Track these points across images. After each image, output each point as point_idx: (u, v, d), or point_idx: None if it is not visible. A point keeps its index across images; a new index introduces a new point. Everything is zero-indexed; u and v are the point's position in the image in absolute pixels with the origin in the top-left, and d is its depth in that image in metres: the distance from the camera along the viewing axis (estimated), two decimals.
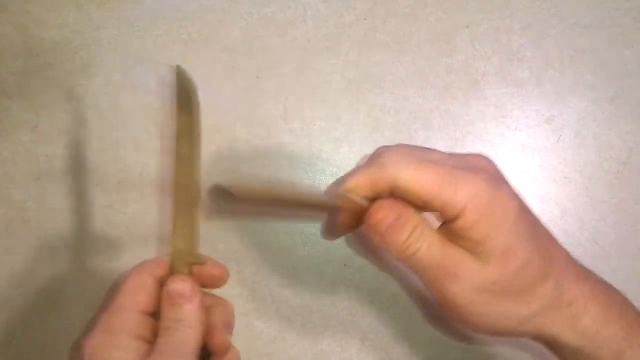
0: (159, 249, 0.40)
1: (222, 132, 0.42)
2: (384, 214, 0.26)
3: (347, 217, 0.28)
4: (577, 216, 0.41)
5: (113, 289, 0.28)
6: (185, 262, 0.29)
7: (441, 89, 0.43)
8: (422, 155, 0.26)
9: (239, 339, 0.39)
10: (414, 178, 0.25)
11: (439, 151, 0.27)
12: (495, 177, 0.26)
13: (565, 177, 0.42)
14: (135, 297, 0.27)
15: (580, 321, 0.26)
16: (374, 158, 0.27)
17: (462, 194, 0.24)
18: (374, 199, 0.27)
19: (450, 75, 0.43)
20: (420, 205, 0.26)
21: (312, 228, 0.41)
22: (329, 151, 0.42)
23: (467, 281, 0.25)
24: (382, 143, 0.42)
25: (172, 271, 0.29)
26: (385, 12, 0.44)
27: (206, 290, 0.30)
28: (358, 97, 0.43)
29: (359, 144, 0.42)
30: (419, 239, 0.26)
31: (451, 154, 0.27)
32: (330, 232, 0.30)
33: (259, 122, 0.42)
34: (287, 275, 0.40)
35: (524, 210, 0.26)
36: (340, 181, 0.27)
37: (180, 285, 0.27)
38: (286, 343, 0.39)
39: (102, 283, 0.40)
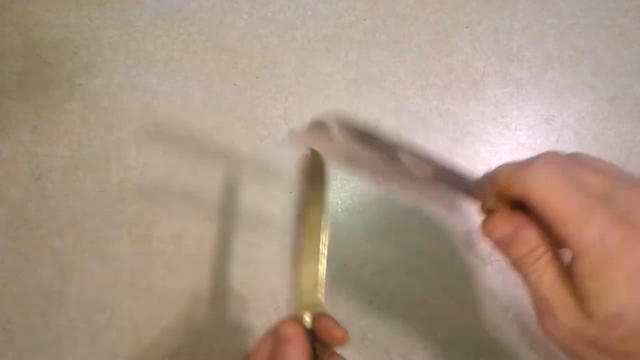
0: (159, 250, 0.40)
1: (222, 132, 0.42)
2: (499, 225, 0.25)
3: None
4: None
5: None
6: (309, 313, 0.33)
7: (441, 89, 0.43)
8: (574, 173, 0.24)
9: (239, 339, 0.39)
10: (547, 198, 0.23)
11: (604, 167, 0.25)
12: (633, 222, 0.22)
13: None
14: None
15: None
16: (528, 160, 0.25)
17: (588, 235, 0.22)
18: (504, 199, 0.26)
19: (450, 75, 0.43)
20: (546, 227, 0.24)
21: None
22: (329, 151, 0.42)
23: (566, 327, 0.23)
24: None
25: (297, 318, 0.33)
26: (385, 13, 0.44)
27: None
28: (358, 97, 0.43)
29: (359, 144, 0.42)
30: (533, 263, 0.25)
31: (618, 177, 0.24)
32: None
33: (259, 122, 0.42)
34: (288, 275, 0.40)
35: None
36: (491, 171, 0.26)
37: (287, 328, 0.30)
38: None
39: (103, 283, 0.40)
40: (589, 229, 0.22)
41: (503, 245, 0.26)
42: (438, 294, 0.40)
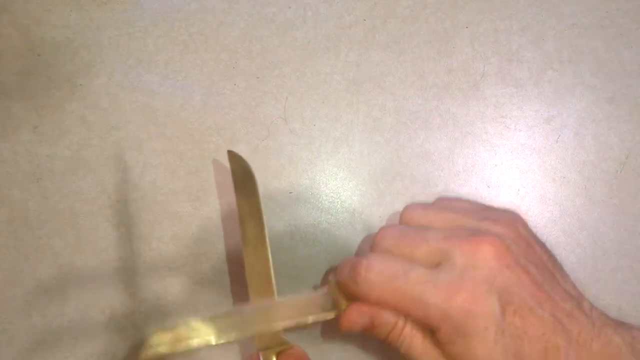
0: (159, 250, 0.40)
1: (222, 132, 0.42)
2: (352, 320, 0.28)
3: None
4: (577, 216, 0.41)
5: None
6: (272, 350, 0.31)
7: (441, 89, 0.43)
8: (403, 269, 0.27)
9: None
10: (384, 300, 0.26)
11: (432, 238, 0.28)
12: (482, 282, 0.25)
13: (564, 177, 0.42)
14: None
15: None
16: (359, 260, 0.28)
17: (434, 315, 0.25)
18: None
19: (450, 75, 0.43)
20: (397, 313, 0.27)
21: (312, 228, 0.41)
22: (329, 151, 0.42)
23: None
24: (382, 143, 0.42)
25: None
26: (385, 13, 0.44)
27: None
28: (358, 97, 0.43)
29: (359, 144, 0.42)
30: (398, 337, 0.27)
31: (450, 236, 0.27)
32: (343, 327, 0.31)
33: (259, 122, 0.42)
34: (288, 275, 0.40)
35: (507, 325, 0.25)
36: (330, 275, 0.30)
37: None
38: None
39: (103, 283, 0.40)
40: (432, 311, 0.25)
41: (367, 331, 0.28)
42: None
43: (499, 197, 0.42)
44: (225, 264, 0.40)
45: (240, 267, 0.40)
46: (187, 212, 0.41)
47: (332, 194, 0.42)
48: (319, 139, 0.42)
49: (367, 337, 0.39)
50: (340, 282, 0.29)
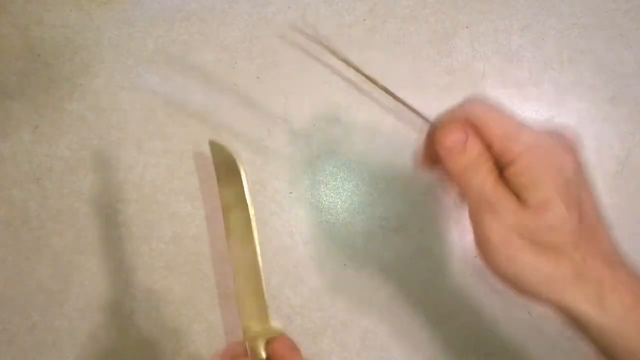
0: (159, 250, 0.40)
1: (222, 132, 0.42)
2: (454, 131, 0.28)
3: (430, 144, 0.31)
4: None
5: None
6: (261, 340, 0.30)
7: (441, 89, 0.43)
8: (502, 109, 0.28)
9: (239, 339, 0.39)
10: (487, 116, 0.28)
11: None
12: (562, 142, 0.27)
13: None
14: None
15: (608, 301, 0.26)
16: (462, 101, 0.30)
17: (523, 140, 0.26)
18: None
19: (450, 75, 0.43)
20: (486, 144, 0.28)
21: (312, 228, 0.41)
22: (329, 151, 0.42)
23: (503, 218, 0.26)
24: (382, 143, 0.42)
25: (249, 352, 0.30)
26: (385, 13, 0.44)
27: None
28: (358, 97, 0.43)
29: (359, 144, 0.42)
30: (477, 169, 0.27)
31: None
32: (421, 154, 0.32)
33: (259, 122, 0.42)
34: (288, 275, 0.40)
35: (580, 181, 0.27)
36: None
37: None
38: None
39: (103, 283, 0.40)
40: (524, 136, 0.26)
41: (454, 152, 0.28)
42: (438, 294, 0.40)
43: None
44: (226, 264, 0.40)
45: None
46: (187, 212, 0.41)
47: (332, 194, 0.42)
48: (319, 138, 0.42)
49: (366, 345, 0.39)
50: (449, 112, 0.30)
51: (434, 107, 0.43)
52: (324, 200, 0.41)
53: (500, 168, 0.27)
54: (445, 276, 0.40)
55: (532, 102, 0.43)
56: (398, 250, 0.41)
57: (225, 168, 0.33)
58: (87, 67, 0.42)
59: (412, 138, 0.42)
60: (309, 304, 0.40)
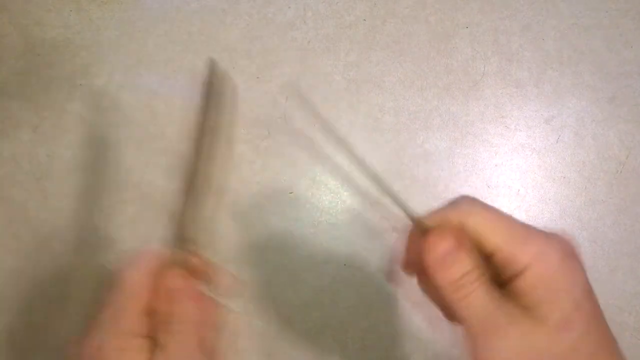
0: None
1: (222, 133, 0.42)
2: (440, 240, 0.24)
3: (413, 247, 0.27)
4: (577, 216, 0.41)
5: (113, 287, 0.27)
6: (183, 250, 0.29)
7: (441, 89, 0.43)
8: (499, 209, 0.25)
9: (239, 339, 0.39)
10: (485, 221, 0.24)
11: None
12: (569, 249, 0.24)
13: (565, 177, 0.42)
14: (137, 296, 0.26)
15: None
16: (453, 200, 0.26)
17: (530, 250, 0.23)
18: None
19: (450, 75, 0.43)
20: (485, 254, 0.24)
21: (312, 228, 0.41)
22: (329, 151, 0.42)
23: (517, 340, 0.22)
24: (382, 143, 0.42)
25: (170, 260, 0.29)
26: (385, 13, 0.44)
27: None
28: (358, 97, 0.43)
29: (359, 144, 0.42)
30: (474, 282, 0.24)
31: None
32: (400, 266, 0.28)
33: (259, 122, 0.42)
34: (287, 275, 0.40)
35: (591, 292, 0.24)
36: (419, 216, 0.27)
37: (177, 281, 0.27)
38: (286, 343, 0.40)
39: (103, 283, 0.40)
40: (531, 244, 0.23)
41: (445, 264, 0.24)
42: None
43: (499, 197, 0.42)
44: (226, 264, 0.40)
45: (241, 266, 0.40)
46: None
47: (332, 194, 0.42)
48: (319, 139, 0.42)
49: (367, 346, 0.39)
50: (438, 211, 0.26)
51: (434, 106, 0.43)
52: (324, 200, 0.41)
53: (504, 280, 0.24)
54: None
55: (532, 102, 0.43)
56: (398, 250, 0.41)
57: (214, 91, 0.32)
58: (87, 67, 0.42)
59: (413, 138, 0.42)
60: (309, 304, 0.40)
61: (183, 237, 0.29)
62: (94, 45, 0.43)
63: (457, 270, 0.24)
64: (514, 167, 0.42)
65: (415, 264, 0.27)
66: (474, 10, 0.44)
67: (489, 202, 0.42)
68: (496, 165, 0.42)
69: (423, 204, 0.41)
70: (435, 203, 0.43)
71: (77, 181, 0.41)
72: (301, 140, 0.42)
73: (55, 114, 0.42)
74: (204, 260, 0.29)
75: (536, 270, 0.23)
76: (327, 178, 0.42)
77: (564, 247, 0.23)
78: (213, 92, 0.32)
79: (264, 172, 0.41)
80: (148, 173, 0.41)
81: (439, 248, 0.24)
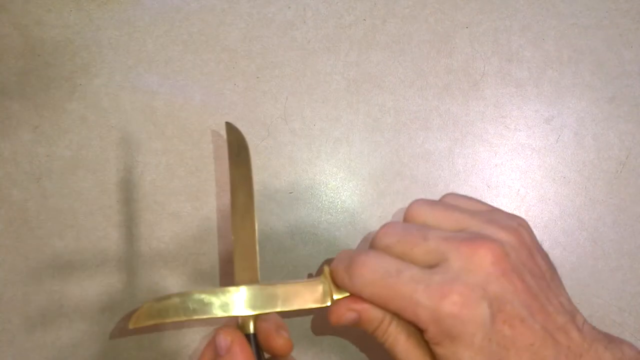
0: (159, 250, 0.40)
1: (222, 132, 0.42)
2: (342, 313, 0.28)
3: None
4: (576, 216, 0.41)
5: None
6: (250, 315, 0.31)
7: (441, 89, 0.43)
8: (398, 267, 0.27)
9: None
10: (376, 297, 0.27)
11: (433, 236, 0.28)
12: (475, 287, 0.25)
13: (564, 177, 0.42)
14: None
15: None
16: (356, 255, 0.29)
17: (423, 316, 0.25)
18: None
19: (450, 75, 0.43)
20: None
21: (312, 228, 0.41)
22: (329, 151, 0.42)
23: None
24: (382, 143, 0.42)
25: (239, 325, 0.31)
26: (385, 13, 0.44)
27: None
28: (358, 97, 0.43)
29: (359, 144, 0.42)
30: (383, 333, 0.28)
31: (450, 237, 0.27)
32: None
33: (259, 122, 0.42)
34: (287, 275, 0.40)
35: (495, 333, 0.25)
36: (324, 268, 0.31)
37: (223, 337, 0.29)
38: None
39: (103, 283, 0.40)
40: (422, 311, 0.25)
41: (354, 326, 0.29)
42: None
43: (499, 197, 0.42)
44: (226, 264, 0.40)
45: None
46: (187, 212, 0.41)
47: (332, 194, 0.42)
48: (319, 139, 0.42)
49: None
50: (335, 274, 0.30)
51: (434, 106, 0.43)
52: (324, 200, 0.41)
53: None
54: None
55: (532, 102, 0.43)
56: None
57: (236, 149, 0.36)
58: (87, 67, 0.42)
59: (413, 138, 0.42)
60: None
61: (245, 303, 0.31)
62: (94, 45, 0.43)
63: (369, 326, 0.28)
64: (514, 167, 0.42)
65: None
66: (474, 10, 0.44)
67: (488, 202, 0.42)
68: (496, 165, 0.42)
69: None
70: None
71: (76, 181, 0.41)
72: (302, 139, 0.42)
73: (55, 114, 0.42)
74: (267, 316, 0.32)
75: (433, 332, 0.25)
76: (327, 178, 0.42)
77: (464, 292, 0.25)
78: (235, 151, 0.36)
79: (264, 172, 0.41)
80: (148, 173, 0.41)
81: (346, 318, 0.29)
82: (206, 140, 0.42)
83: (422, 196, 0.41)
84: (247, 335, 0.30)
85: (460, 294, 0.25)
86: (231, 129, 0.37)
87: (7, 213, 0.40)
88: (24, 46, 0.43)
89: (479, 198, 0.41)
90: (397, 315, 0.27)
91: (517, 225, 0.29)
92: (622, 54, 0.43)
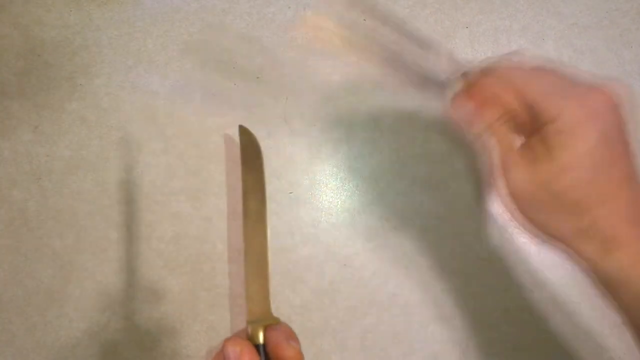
0: (159, 250, 0.40)
1: (222, 132, 0.42)
2: (489, 84, 0.29)
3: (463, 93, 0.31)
4: None
5: None
6: (260, 325, 0.30)
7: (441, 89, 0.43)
8: (547, 65, 0.29)
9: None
10: (528, 75, 0.28)
11: (569, 72, 0.29)
12: (602, 103, 0.27)
13: None
14: None
15: (615, 254, 0.26)
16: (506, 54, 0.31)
17: (561, 104, 0.27)
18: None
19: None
20: (526, 104, 0.28)
21: (312, 228, 0.41)
22: (329, 151, 0.42)
23: (526, 173, 0.27)
24: (382, 143, 0.42)
25: (249, 335, 0.31)
26: (385, 13, 0.44)
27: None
28: (358, 97, 0.43)
29: (359, 144, 0.42)
30: (504, 123, 0.28)
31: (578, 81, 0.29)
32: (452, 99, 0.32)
33: (259, 122, 0.42)
34: (288, 274, 0.40)
35: (618, 139, 0.27)
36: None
37: (232, 347, 0.29)
38: None
39: (103, 283, 0.40)
40: (563, 99, 0.27)
41: (484, 107, 0.29)
42: (438, 294, 0.40)
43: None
44: (227, 264, 0.40)
45: (241, 267, 0.40)
46: (187, 212, 0.41)
47: (332, 194, 0.42)
48: (319, 139, 0.42)
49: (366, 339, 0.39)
50: (476, 69, 0.30)
51: (435, 106, 0.43)
52: (324, 200, 0.41)
53: (540, 125, 0.28)
54: (446, 276, 0.40)
55: None
56: (398, 250, 0.41)
57: (250, 152, 0.35)
58: (87, 67, 0.42)
59: (413, 138, 0.42)
60: (309, 304, 0.40)
61: (255, 308, 0.31)
62: (94, 45, 0.43)
63: (496, 112, 0.29)
64: None
65: (462, 103, 0.31)
66: (474, 10, 0.44)
67: (489, 204, 0.42)
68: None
69: (424, 204, 0.41)
70: (435, 203, 0.43)
71: (76, 181, 0.41)
72: (302, 139, 0.42)
73: (55, 114, 0.42)
74: (277, 323, 0.32)
75: (564, 118, 0.26)
76: (327, 178, 0.42)
77: (600, 98, 0.27)
78: (248, 156, 0.35)
79: (264, 172, 0.41)
80: (148, 173, 0.41)
81: (460, 109, 0.30)
82: (206, 140, 0.42)
83: (422, 196, 0.41)
84: (257, 346, 0.30)
85: (605, 106, 0.27)
86: (244, 132, 0.36)
87: (7, 213, 0.40)
88: (24, 46, 0.43)
89: (479, 198, 0.41)
90: (533, 106, 0.27)
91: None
92: (622, 54, 0.43)
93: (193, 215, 0.41)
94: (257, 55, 0.43)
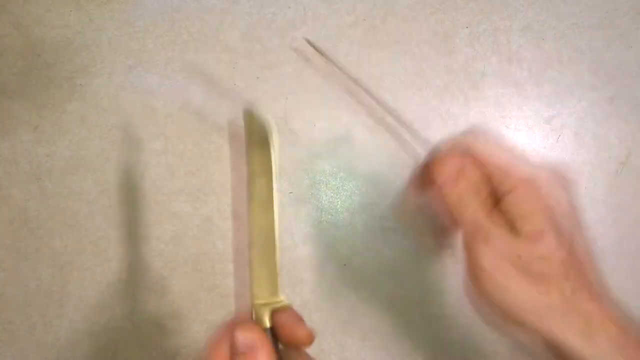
0: (159, 250, 0.40)
1: (222, 132, 0.42)
2: (453, 159, 0.29)
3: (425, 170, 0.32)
4: None
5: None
6: (266, 308, 0.30)
7: (441, 89, 0.43)
8: (503, 141, 0.30)
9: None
10: (487, 146, 0.29)
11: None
12: (557, 179, 0.28)
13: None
14: None
15: (597, 335, 0.26)
16: (466, 130, 0.31)
17: (521, 172, 0.27)
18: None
19: (450, 75, 0.43)
20: (485, 174, 0.29)
21: (312, 228, 0.41)
22: (329, 151, 0.42)
23: (496, 246, 0.27)
24: (381, 143, 0.42)
25: (254, 318, 0.30)
26: (384, 13, 0.44)
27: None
28: (358, 97, 0.43)
29: (359, 144, 0.42)
30: (473, 197, 0.28)
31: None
32: (414, 182, 0.33)
33: None
34: (288, 274, 0.40)
35: (572, 216, 0.28)
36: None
37: (246, 335, 0.27)
38: None
39: (103, 283, 0.40)
40: (524, 168, 0.28)
41: (451, 180, 0.29)
42: (438, 294, 0.40)
43: None
44: (226, 264, 0.40)
45: (240, 267, 0.40)
46: (187, 212, 0.41)
47: (332, 194, 0.42)
48: (319, 139, 0.42)
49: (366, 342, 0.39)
50: (447, 144, 0.31)
51: (434, 106, 0.43)
52: (324, 200, 0.41)
53: (498, 198, 0.28)
54: (446, 276, 0.40)
55: (532, 102, 0.43)
56: (398, 250, 0.41)
57: (257, 135, 0.33)
58: (87, 67, 0.42)
59: (413, 138, 0.42)
60: (309, 304, 0.40)
61: (261, 292, 0.30)
62: (94, 45, 0.43)
63: (461, 186, 0.29)
64: None
65: (426, 183, 0.32)
66: (474, 10, 0.44)
67: None
68: None
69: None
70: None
71: (76, 181, 0.41)
72: (302, 139, 0.42)
73: (55, 114, 0.42)
74: (285, 308, 0.30)
75: (521, 189, 0.27)
76: (327, 178, 0.42)
77: (551, 176, 0.28)
78: (257, 137, 0.33)
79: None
80: (148, 173, 0.41)
81: (448, 167, 0.29)
82: (206, 140, 0.42)
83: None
84: (264, 330, 0.29)
85: (559, 182, 0.28)
86: (251, 114, 0.33)
87: (7, 213, 0.40)
88: (24, 46, 0.43)
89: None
90: (493, 174, 0.28)
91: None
92: (622, 54, 0.43)
93: (193, 215, 0.41)
94: (257, 55, 0.43)
